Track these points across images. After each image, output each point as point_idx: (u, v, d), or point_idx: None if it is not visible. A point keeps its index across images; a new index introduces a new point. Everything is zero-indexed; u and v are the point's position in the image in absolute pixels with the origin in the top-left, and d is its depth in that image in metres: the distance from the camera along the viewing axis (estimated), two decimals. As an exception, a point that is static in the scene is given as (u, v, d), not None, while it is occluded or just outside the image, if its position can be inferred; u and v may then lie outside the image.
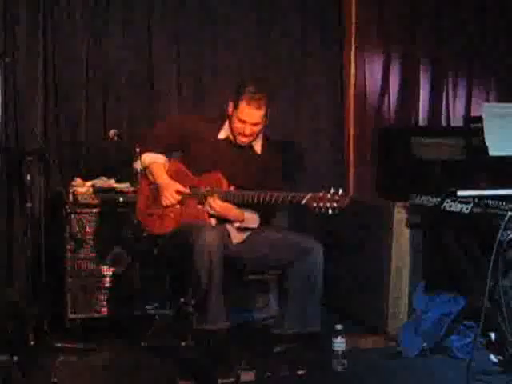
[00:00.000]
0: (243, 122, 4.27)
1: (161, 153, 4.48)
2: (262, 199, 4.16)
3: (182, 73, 5.84)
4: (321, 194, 4.00)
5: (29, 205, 4.80)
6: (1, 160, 5.27)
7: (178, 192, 4.37)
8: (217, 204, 4.26)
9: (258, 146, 4.46)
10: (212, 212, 4.30)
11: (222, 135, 4.43)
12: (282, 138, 5.78)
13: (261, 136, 4.45)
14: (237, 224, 4.41)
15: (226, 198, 4.28)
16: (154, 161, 4.47)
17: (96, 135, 5.60)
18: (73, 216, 4.98)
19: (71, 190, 5.06)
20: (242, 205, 4.30)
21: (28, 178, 4.76)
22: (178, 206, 4.39)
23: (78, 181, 5.22)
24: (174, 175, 4.44)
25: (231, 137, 4.41)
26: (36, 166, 4.99)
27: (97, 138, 5.58)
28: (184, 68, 5.85)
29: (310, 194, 4.02)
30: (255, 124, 4.28)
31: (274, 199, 4.13)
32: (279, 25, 6.10)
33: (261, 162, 4.44)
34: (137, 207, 4.52)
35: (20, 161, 4.95)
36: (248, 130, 4.29)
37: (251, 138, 4.36)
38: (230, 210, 4.32)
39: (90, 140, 5.60)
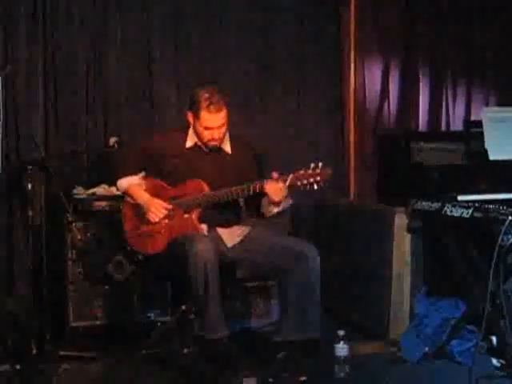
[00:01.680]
0: (209, 128, 4.30)
1: (134, 174, 4.50)
2: (247, 191, 4.17)
3: (182, 82, 5.85)
4: (302, 172, 4.03)
5: (30, 214, 4.81)
6: (2, 169, 5.28)
7: (164, 208, 4.37)
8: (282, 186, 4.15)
9: (227, 147, 4.49)
10: (279, 197, 4.18)
11: (189, 144, 4.45)
12: (281, 147, 5.85)
13: (227, 136, 4.47)
14: (278, 208, 4.32)
15: (217, 198, 4.27)
16: (130, 183, 4.49)
17: (96, 143, 5.61)
18: (74, 224, 4.98)
19: (72, 199, 5.07)
20: (231, 201, 4.29)
21: (29, 187, 4.76)
22: (166, 220, 4.39)
23: (79, 189, 5.23)
24: (154, 191, 4.45)
25: (199, 143, 4.43)
26: (37, 175, 4.99)
27: (97, 146, 5.59)
28: (183, 77, 5.86)
29: (291, 175, 4.05)
30: (220, 126, 4.31)
31: (258, 188, 4.14)
32: (278, 34, 6.11)
33: (233, 161, 4.46)
34: (124, 232, 4.51)
35: (21, 170, 4.95)
36: (216, 134, 4.32)
37: (221, 140, 4.39)
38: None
39: (90, 148, 5.61)
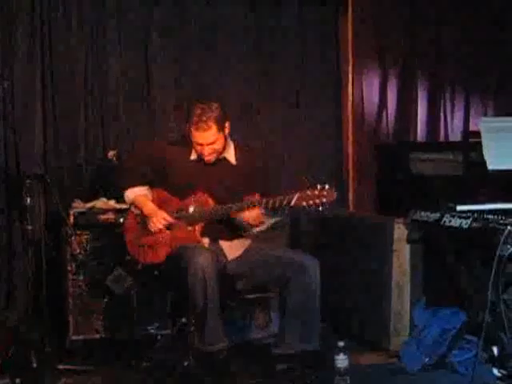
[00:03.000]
0: (200, 144, 4.30)
1: (141, 185, 4.51)
2: (251, 207, 4.19)
3: (180, 94, 5.87)
4: (308, 192, 4.02)
5: (29, 227, 4.81)
6: (1, 183, 5.29)
7: (165, 219, 4.38)
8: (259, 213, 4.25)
9: (231, 158, 4.48)
10: (255, 223, 4.30)
11: (193, 155, 4.46)
12: (280, 157, 5.86)
13: (231, 146, 4.48)
14: (259, 228, 4.42)
15: (218, 213, 4.29)
16: (136, 194, 4.51)
17: (95, 156, 5.62)
18: (73, 238, 4.98)
19: (71, 212, 5.08)
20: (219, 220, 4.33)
21: (28, 200, 4.77)
22: (168, 231, 4.40)
23: (78, 202, 5.23)
24: (159, 202, 4.46)
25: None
26: (36, 189, 5.00)
27: (96, 159, 5.59)
28: (182, 88, 5.88)
29: (297, 194, 4.03)
30: (210, 143, 4.30)
31: (263, 205, 4.15)
32: (278, 47, 6.15)
33: (237, 171, 4.45)
34: (126, 242, 4.52)
35: (20, 183, 4.95)
36: (206, 150, 4.32)
37: (215, 155, 4.38)
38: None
39: (89, 161, 5.63)
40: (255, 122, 6.07)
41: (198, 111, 4.25)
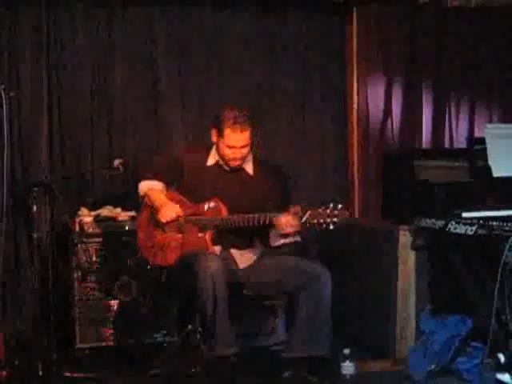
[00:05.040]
0: (232, 147, 4.32)
1: (158, 180, 4.52)
2: (262, 221, 4.20)
3: (187, 103, 5.89)
4: (320, 211, 4.04)
5: (35, 235, 4.83)
6: (7, 192, 5.30)
7: (176, 213, 4.35)
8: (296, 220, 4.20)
9: (249, 169, 4.50)
10: (289, 230, 4.24)
11: (210, 162, 4.48)
12: (285, 165, 5.85)
13: (251, 158, 4.50)
14: (288, 240, 4.39)
15: (228, 224, 4.29)
16: (151, 187, 4.50)
17: (101, 165, 5.63)
18: (79, 246, 5.01)
19: (77, 220, 5.10)
20: (243, 228, 4.30)
21: (34, 209, 4.78)
22: (179, 235, 4.40)
23: (84, 211, 5.25)
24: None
25: (221, 161, 4.45)
26: (42, 197, 5.02)
27: (102, 168, 5.61)
28: (188, 98, 5.90)
29: (309, 212, 4.05)
30: (243, 146, 4.33)
31: (268, 220, 4.18)
32: (283, 55, 6.15)
33: (255, 184, 4.47)
34: (138, 240, 4.53)
35: (26, 192, 4.97)
36: (238, 153, 4.34)
37: (241, 161, 4.40)
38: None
39: (95, 170, 5.64)
40: (260, 131, 6.07)
41: (234, 113, 4.28)
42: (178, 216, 4.35)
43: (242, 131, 4.28)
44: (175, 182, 4.50)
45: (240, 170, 4.46)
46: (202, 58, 5.94)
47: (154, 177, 4.52)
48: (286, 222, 4.17)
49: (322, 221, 4.01)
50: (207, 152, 4.48)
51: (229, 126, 4.27)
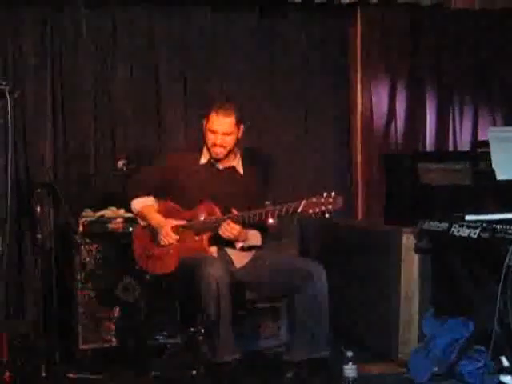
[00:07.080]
0: (214, 132, 4.35)
1: (148, 195, 4.54)
2: (258, 217, 4.21)
3: (189, 106, 5.91)
4: (315, 200, 4.04)
5: (39, 236, 4.83)
6: (11, 192, 5.30)
7: (173, 228, 4.40)
8: (235, 228, 4.27)
9: (239, 168, 4.54)
10: (228, 236, 4.30)
11: (203, 160, 4.51)
12: (286, 166, 5.88)
13: (238, 156, 4.54)
14: (240, 244, 4.44)
15: (226, 223, 4.30)
16: (143, 205, 4.54)
17: (105, 166, 5.64)
18: (83, 247, 5.01)
19: (81, 221, 5.10)
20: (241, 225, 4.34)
21: (38, 209, 4.79)
22: (176, 242, 4.41)
23: (88, 212, 5.25)
24: (166, 214, 4.48)
25: (212, 160, 4.47)
26: (46, 198, 5.02)
27: (106, 169, 5.62)
28: (190, 101, 5.92)
29: (304, 202, 4.06)
30: (226, 134, 4.35)
31: (270, 214, 4.18)
32: (285, 58, 6.17)
33: (244, 184, 4.49)
34: (134, 253, 4.54)
35: (30, 193, 4.97)
36: (219, 139, 4.35)
37: (224, 151, 4.40)
38: (242, 232, 4.36)
39: (98, 170, 5.65)
40: (264, 132, 6.08)
41: (221, 101, 4.44)
42: (177, 238, 4.39)
43: (225, 116, 4.33)
44: (164, 193, 4.53)
45: (230, 168, 4.50)
46: (202, 58, 5.94)
47: (145, 194, 4.55)
48: (225, 229, 4.25)
49: (317, 210, 4.02)
50: (200, 151, 4.51)
51: (214, 110, 4.35)
